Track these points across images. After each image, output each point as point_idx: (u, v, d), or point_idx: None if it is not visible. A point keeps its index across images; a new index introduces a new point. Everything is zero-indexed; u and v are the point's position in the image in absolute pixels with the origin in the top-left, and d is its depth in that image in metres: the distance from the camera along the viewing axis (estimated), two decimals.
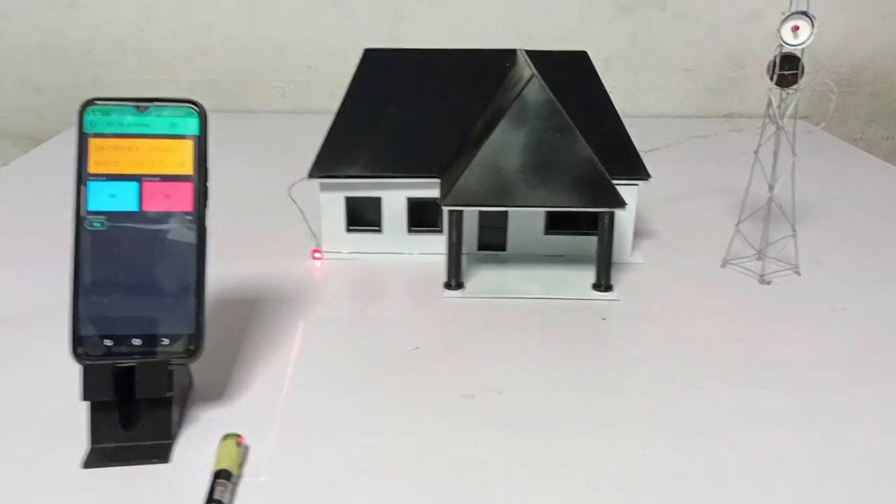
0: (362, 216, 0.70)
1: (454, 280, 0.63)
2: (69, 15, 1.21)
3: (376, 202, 0.69)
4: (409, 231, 0.70)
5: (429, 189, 0.68)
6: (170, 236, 0.45)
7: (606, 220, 0.61)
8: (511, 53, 0.72)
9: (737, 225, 0.68)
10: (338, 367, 0.53)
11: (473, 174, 0.60)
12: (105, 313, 0.44)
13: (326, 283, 0.66)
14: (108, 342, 0.43)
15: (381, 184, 0.68)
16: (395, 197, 0.69)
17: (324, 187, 0.69)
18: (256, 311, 0.60)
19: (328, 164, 0.68)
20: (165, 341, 0.44)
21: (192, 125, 0.45)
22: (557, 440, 0.46)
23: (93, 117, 0.45)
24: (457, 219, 0.61)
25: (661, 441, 0.46)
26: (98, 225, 0.44)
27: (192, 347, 0.44)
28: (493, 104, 0.68)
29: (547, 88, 0.61)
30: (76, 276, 0.44)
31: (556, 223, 0.69)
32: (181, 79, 1.23)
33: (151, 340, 0.44)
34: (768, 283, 0.65)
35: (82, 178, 0.44)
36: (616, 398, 0.50)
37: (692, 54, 1.26)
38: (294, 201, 0.70)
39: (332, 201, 0.69)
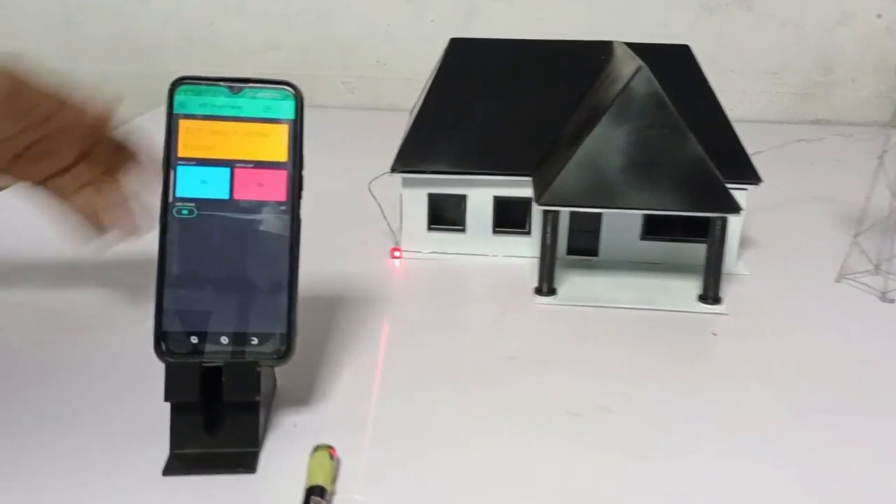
0: (445, 214, 0.66)
1: (546, 285, 0.59)
2: (141, 7, 1.20)
3: (460, 200, 0.65)
4: (495, 232, 0.66)
5: (517, 188, 0.64)
6: (262, 227, 0.41)
7: (718, 227, 0.56)
8: (606, 46, 0.67)
9: (855, 237, 0.62)
10: (429, 374, 0.49)
11: (572, 173, 0.56)
12: (192, 307, 0.40)
13: (408, 284, 0.63)
14: (194, 339, 0.40)
15: (466, 181, 0.64)
16: (480, 195, 0.65)
17: (406, 183, 0.65)
18: (337, 311, 0.57)
19: (412, 158, 0.64)
20: (255, 340, 0.40)
21: (287, 109, 0.42)
22: (675, 467, 0.41)
23: (183, 97, 0.42)
24: (552, 220, 0.57)
25: (791, 473, 0.41)
26: (186, 213, 0.41)
27: (282, 348, 0.41)
28: (589, 99, 0.64)
29: (655, 82, 0.56)
30: (162, 267, 0.41)
31: (653, 228, 0.64)
32: (249, 73, 1.21)
33: (240, 339, 0.40)
34: (891, 301, 0.59)
35: (171, 161, 0.41)
36: (734, 422, 0.45)
37: (778, 57, 1.19)
38: (374, 197, 0.66)
39: (414, 198, 0.65)
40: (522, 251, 0.66)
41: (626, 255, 0.65)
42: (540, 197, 0.56)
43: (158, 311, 0.40)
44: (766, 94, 1.21)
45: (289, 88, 0.42)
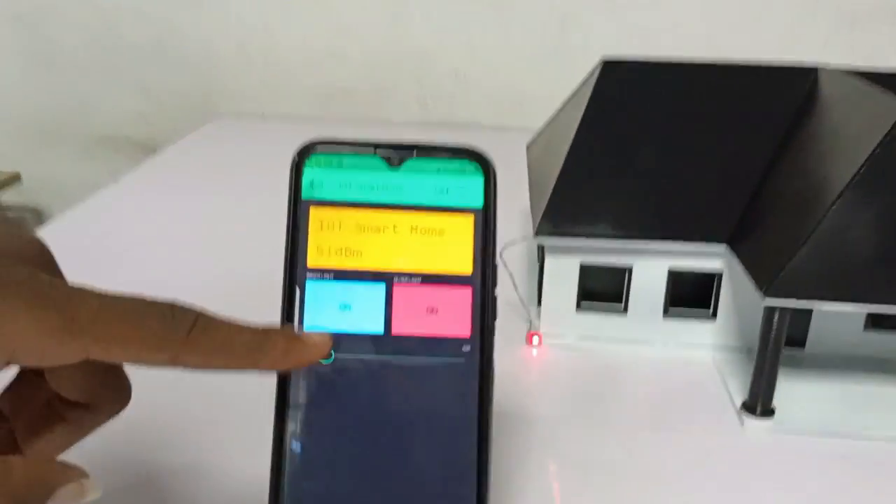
0: (600, 290, 0.51)
1: (762, 404, 0.44)
2: (189, 10, 1.06)
3: (622, 273, 0.50)
4: (667, 314, 0.51)
5: (700, 258, 0.49)
6: (433, 382, 0.27)
7: None
8: (808, 73, 0.52)
9: None
10: None
11: (810, 256, 0.41)
12: None
13: (557, 385, 0.48)
14: None
15: (634, 248, 0.49)
16: (651, 267, 0.50)
17: (552, 250, 0.50)
18: None
19: (561, 218, 0.49)
20: None
21: (473, 191, 0.27)
22: None
23: (316, 173, 0.27)
24: (781, 318, 0.42)
25: None
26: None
27: None
28: (800, 149, 0.48)
29: None
30: (279, 445, 0.26)
31: (883, 316, 0.48)
32: (310, 85, 1.07)
33: None
34: None
35: (296, 275, 0.27)
36: None
37: None
38: (505, 265, 0.51)
39: (560, 269, 0.50)
40: (703, 339, 0.50)
41: (844, 347, 0.49)
42: (768, 286, 0.41)
43: None
44: None
45: (475, 159, 0.27)
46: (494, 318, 0.27)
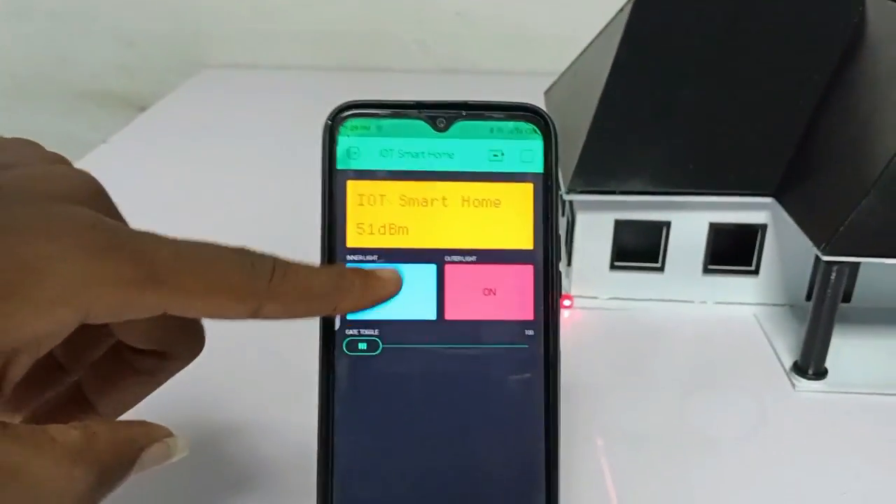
0: (636, 248, 0.48)
1: (814, 366, 0.41)
2: None
3: (660, 228, 0.47)
4: (706, 271, 0.48)
5: (742, 211, 0.46)
6: (494, 372, 0.24)
7: None
8: (856, 3, 0.48)
9: None
10: None
11: (878, 205, 0.38)
12: None
13: (592, 350, 0.45)
14: None
15: (671, 202, 0.46)
16: (690, 221, 0.46)
17: (582, 206, 0.47)
18: None
19: (595, 171, 0.46)
20: None
21: (533, 154, 0.24)
22: None
23: (352, 141, 0.23)
24: (839, 275, 0.39)
25: None
26: (365, 347, 0.23)
27: None
28: (854, 84, 0.45)
29: None
30: (326, 447, 0.23)
31: None
32: (302, 30, 1.01)
33: None
34: None
35: (334, 255, 0.23)
36: None
37: None
38: None
39: (592, 226, 0.47)
40: (745, 297, 0.48)
41: (891, 300, 0.47)
42: (826, 243, 0.38)
43: None
44: None
45: (534, 117, 0.24)
46: (560, 297, 0.24)
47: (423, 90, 0.96)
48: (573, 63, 0.57)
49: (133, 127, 0.81)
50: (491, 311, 0.24)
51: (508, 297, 0.24)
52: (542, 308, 0.24)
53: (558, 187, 0.24)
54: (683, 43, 0.47)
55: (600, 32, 0.54)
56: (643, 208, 0.46)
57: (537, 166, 0.24)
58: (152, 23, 1.02)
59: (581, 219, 0.47)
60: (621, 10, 0.50)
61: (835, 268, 0.38)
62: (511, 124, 0.24)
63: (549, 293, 0.24)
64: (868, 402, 0.40)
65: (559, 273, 0.24)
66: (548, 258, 0.24)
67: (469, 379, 0.23)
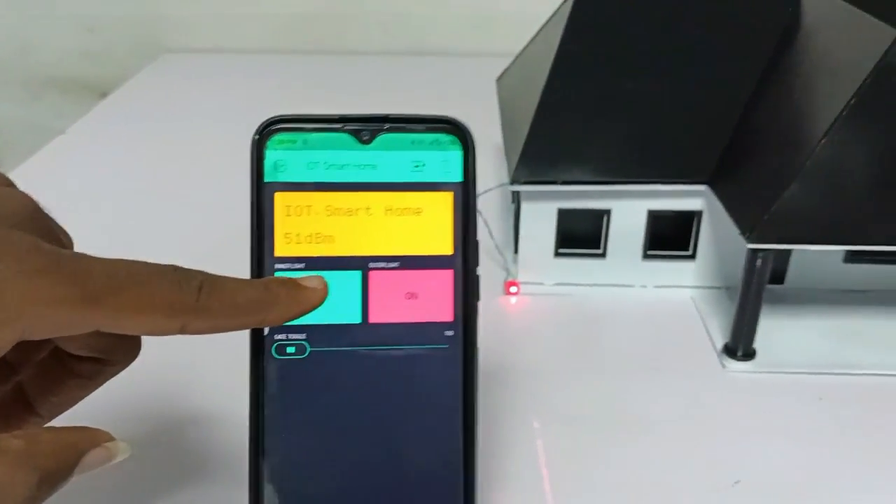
0: (579, 235, 0.50)
1: (743, 348, 0.43)
2: None
3: (601, 216, 0.49)
4: (646, 256, 0.50)
5: (679, 198, 0.48)
6: (415, 371, 0.25)
7: None
8: None
9: None
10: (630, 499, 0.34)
11: (800, 195, 0.39)
12: None
13: (537, 335, 0.47)
14: None
15: (611, 191, 0.47)
16: (630, 209, 0.48)
17: (528, 196, 0.48)
18: None
19: (538, 163, 0.47)
20: None
21: (452, 164, 0.25)
22: None
23: (279, 154, 0.25)
24: (764, 261, 0.41)
25: None
26: (293, 351, 0.25)
27: None
28: (785, 75, 0.46)
29: None
30: (256, 444, 0.25)
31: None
32: (265, 13, 1.01)
33: None
34: None
35: (263, 264, 0.25)
36: None
37: None
38: (480, 214, 0.50)
39: (537, 215, 0.49)
40: (682, 280, 0.50)
41: (824, 282, 0.49)
42: (751, 230, 0.40)
43: None
44: None
45: (452, 129, 0.25)
46: (477, 299, 0.25)
47: (387, 73, 0.96)
48: (523, 50, 0.58)
49: (94, 114, 0.81)
50: (413, 313, 0.25)
51: (429, 301, 0.25)
52: (462, 309, 0.25)
53: (476, 195, 0.26)
54: (623, 35, 0.49)
55: (548, 20, 0.55)
56: (585, 197, 0.48)
57: (457, 175, 0.25)
58: (112, 7, 1.01)
59: (526, 208, 0.48)
60: (565, 1, 0.51)
61: (760, 254, 0.40)
62: (431, 136, 0.25)
63: (467, 295, 0.25)
64: (796, 381, 0.43)
65: (477, 277, 0.26)
66: (466, 262, 0.25)
67: (393, 378, 0.25)
